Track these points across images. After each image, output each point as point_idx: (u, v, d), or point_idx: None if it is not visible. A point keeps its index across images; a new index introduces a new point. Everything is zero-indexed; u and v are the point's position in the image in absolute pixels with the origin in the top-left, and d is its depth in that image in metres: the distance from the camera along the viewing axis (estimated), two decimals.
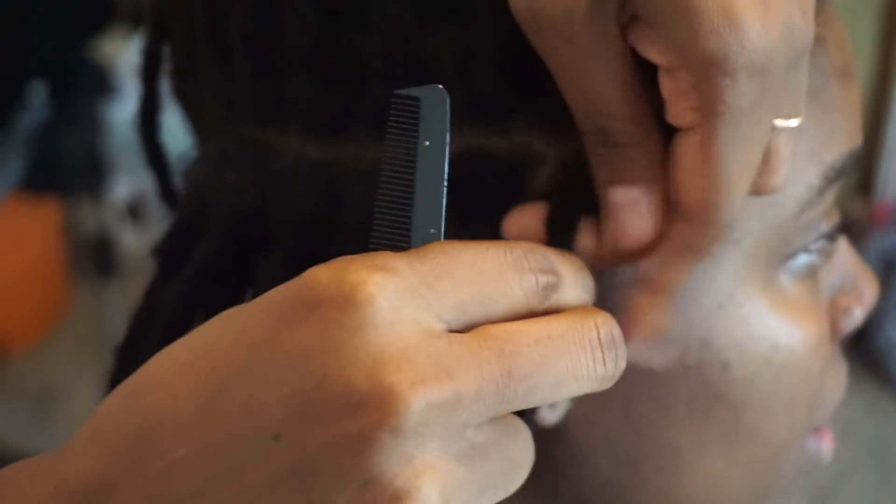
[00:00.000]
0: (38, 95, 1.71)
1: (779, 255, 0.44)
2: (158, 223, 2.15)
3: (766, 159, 0.39)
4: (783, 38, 0.35)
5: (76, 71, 1.84)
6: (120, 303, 1.81)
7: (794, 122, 0.39)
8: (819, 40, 0.43)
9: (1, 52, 1.74)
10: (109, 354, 0.50)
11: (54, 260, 2.13)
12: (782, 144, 0.39)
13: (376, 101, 0.41)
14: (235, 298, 0.46)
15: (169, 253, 0.49)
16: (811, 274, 0.46)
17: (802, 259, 0.45)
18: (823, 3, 0.44)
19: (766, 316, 0.44)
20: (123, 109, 2.02)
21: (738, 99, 0.36)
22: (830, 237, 0.46)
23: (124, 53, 2.17)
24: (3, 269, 2.01)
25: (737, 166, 0.37)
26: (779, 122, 0.38)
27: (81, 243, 2.04)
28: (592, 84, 0.38)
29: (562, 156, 0.41)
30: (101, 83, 1.89)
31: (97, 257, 1.91)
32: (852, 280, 0.50)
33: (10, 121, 1.69)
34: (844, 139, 0.44)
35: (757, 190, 0.39)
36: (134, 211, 2.21)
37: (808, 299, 0.46)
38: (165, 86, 0.55)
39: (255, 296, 0.45)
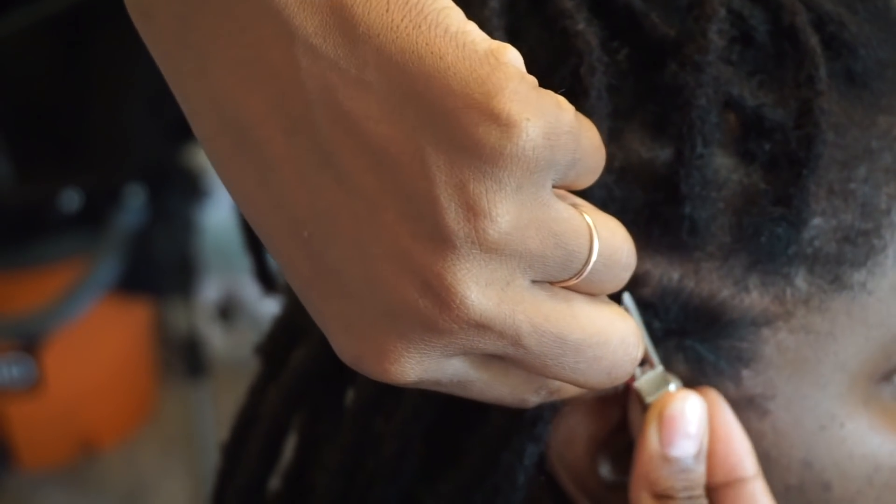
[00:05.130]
0: (136, 198, 1.75)
1: (880, 372, 0.44)
2: (248, 324, 2.17)
3: None
4: None
5: (171, 174, 1.88)
6: (209, 403, 1.82)
7: None
8: None
9: (102, 154, 1.79)
10: (197, 454, 0.51)
11: (144, 359, 2.16)
12: None
13: None
14: (335, 398, 0.46)
15: (271, 351, 0.50)
16: None
17: None
18: None
19: (868, 434, 0.43)
20: (214, 212, 2.06)
21: None
22: None
23: None
24: (94, 367, 2.04)
25: None
26: None
27: (171, 343, 2.06)
28: None
29: None
30: (193, 187, 1.92)
31: (187, 357, 1.92)
32: None
33: (108, 223, 1.73)
34: None
35: None
36: (223, 312, 2.23)
37: None
38: None
39: (355, 396, 0.45)
